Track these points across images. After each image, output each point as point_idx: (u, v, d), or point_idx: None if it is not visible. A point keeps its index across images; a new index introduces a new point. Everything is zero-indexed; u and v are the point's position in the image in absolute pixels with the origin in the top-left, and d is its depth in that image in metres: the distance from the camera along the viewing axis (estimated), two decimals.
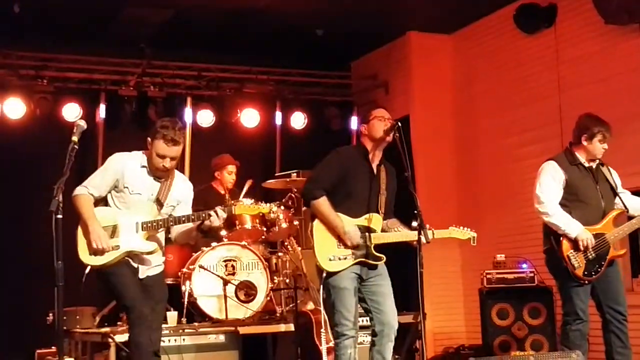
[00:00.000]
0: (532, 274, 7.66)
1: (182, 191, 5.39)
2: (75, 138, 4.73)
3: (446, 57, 9.77)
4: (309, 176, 5.64)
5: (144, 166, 5.23)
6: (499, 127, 9.10)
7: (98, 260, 5.13)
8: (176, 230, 5.38)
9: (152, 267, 5.33)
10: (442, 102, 9.73)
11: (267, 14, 8.76)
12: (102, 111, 9.08)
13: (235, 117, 9.69)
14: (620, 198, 5.91)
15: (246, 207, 5.48)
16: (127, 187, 5.18)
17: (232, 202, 5.53)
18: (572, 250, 5.71)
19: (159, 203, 5.24)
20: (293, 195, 8.00)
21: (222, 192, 8.20)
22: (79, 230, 5.18)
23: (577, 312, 5.75)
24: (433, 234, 5.24)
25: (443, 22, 9.48)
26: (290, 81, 10.14)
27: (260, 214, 7.78)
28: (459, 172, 9.64)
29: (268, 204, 5.60)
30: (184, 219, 5.22)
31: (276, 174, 9.07)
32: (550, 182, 5.82)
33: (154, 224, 5.19)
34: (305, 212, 7.44)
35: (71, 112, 8.87)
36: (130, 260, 5.22)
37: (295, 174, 8.18)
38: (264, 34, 9.27)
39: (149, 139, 5.18)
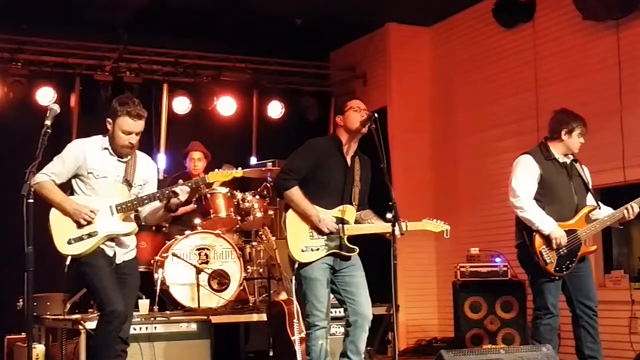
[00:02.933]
0: (505, 268, 7.69)
1: (147, 170, 5.31)
2: (48, 122, 4.67)
3: (425, 49, 9.77)
4: (282, 166, 5.61)
5: (105, 148, 5.15)
6: (476, 120, 9.12)
7: (77, 250, 5.03)
8: (145, 210, 5.32)
9: (128, 250, 5.27)
10: (420, 94, 9.73)
11: (246, 1, 8.71)
12: (76, 96, 9.00)
13: (211, 105, 9.63)
14: (592, 194, 5.94)
15: (218, 174, 5.35)
16: (91, 173, 5.09)
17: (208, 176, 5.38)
18: (544, 247, 5.72)
19: (128, 183, 5.16)
20: (268, 185, 7.97)
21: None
22: (52, 220, 5.06)
23: (547, 306, 5.77)
24: (406, 226, 5.22)
25: (422, 15, 9.48)
26: (268, 70, 10.09)
27: (232, 197, 7.77)
28: (436, 164, 9.66)
29: (240, 168, 5.51)
30: (150, 196, 5.15)
31: (252, 163, 9.03)
32: (526, 176, 5.83)
33: (128, 204, 5.12)
34: (280, 202, 7.42)
35: (45, 96, 8.78)
36: (106, 249, 5.12)
37: (271, 164, 8.17)
38: (243, 21, 9.22)
39: (109, 119, 5.10)
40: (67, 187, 5.17)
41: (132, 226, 5.21)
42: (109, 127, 5.12)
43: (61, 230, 5.04)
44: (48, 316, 7.11)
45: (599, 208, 5.93)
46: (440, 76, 9.65)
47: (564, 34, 8.06)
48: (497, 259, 7.80)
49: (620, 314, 7.18)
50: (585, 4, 7.59)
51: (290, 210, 5.36)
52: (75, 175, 5.13)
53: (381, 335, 7.91)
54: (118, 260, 5.19)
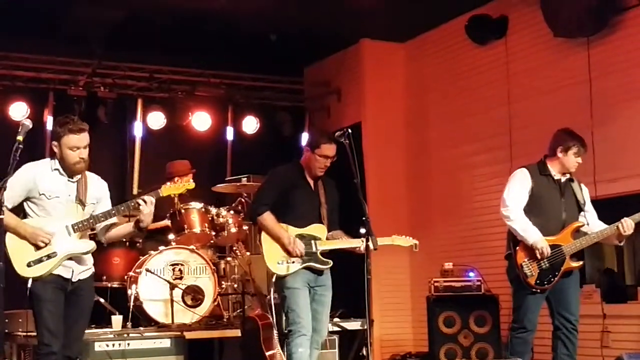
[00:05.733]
0: (478, 283, 7.73)
1: (98, 188, 5.28)
2: (20, 137, 4.66)
3: (399, 65, 9.82)
4: (252, 199, 5.77)
5: (55, 169, 5.10)
6: (450, 136, 9.17)
7: (37, 272, 4.95)
8: (102, 230, 5.27)
9: (86, 269, 5.20)
10: (394, 110, 9.77)
11: (221, 17, 8.73)
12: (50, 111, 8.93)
13: (186, 120, 9.60)
14: (584, 214, 6.01)
15: (171, 188, 5.31)
16: (43, 194, 5.03)
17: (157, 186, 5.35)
18: (526, 259, 5.81)
19: (81, 202, 5.12)
20: (243, 200, 7.97)
21: (172, 195, 8.13)
22: (9, 244, 4.88)
23: (523, 320, 5.83)
24: (377, 241, 5.29)
25: (396, 31, 9.53)
26: (242, 85, 10.09)
27: (206, 213, 7.76)
28: (410, 180, 9.69)
29: (191, 181, 5.45)
30: (113, 212, 5.12)
31: (227, 178, 9.03)
32: (518, 188, 5.95)
33: (85, 223, 5.08)
34: None
35: (18, 111, 8.71)
36: (63, 270, 5.05)
37: (245, 179, 8.16)
38: (217, 37, 9.21)
39: (54, 142, 5.09)
40: (19, 211, 5.09)
41: (91, 245, 5.16)
42: (56, 150, 5.09)
43: (19, 253, 4.94)
44: (20, 333, 7.05)
45: (587, 224, 5.99)
46: (414, 92, 9.70)
47: (535, 51, 8.15)
48: (471, 274, 7.83)
49: (592, 328, 7.23)
50: (557, 21, 7.67)
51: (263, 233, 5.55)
52: (27, 199, 5.06)
53: (356, 349, 7.91)
54: (74, 279, 5.10)
